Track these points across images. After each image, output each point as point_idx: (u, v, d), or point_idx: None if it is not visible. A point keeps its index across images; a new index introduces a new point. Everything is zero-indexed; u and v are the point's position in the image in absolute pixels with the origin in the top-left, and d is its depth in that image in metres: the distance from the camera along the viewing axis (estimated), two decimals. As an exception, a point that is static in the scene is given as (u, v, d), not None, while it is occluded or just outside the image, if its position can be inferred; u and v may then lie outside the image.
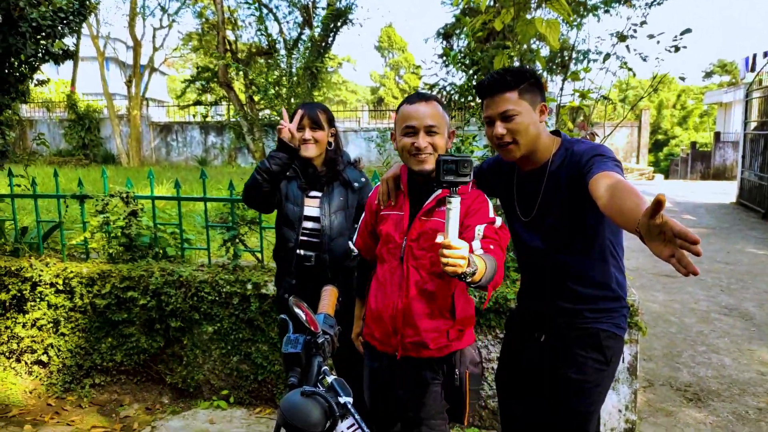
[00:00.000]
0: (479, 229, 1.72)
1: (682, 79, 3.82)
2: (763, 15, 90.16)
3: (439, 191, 1.88)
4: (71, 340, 3.60)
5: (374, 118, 26.24)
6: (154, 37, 21.95)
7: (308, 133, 2.44)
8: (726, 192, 14.67)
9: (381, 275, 1.95)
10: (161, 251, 3.76)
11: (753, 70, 13.18)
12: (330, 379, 1.10)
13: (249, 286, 3.32)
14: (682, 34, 3.05)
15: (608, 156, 1.72)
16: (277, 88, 14.29)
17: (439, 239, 1.40)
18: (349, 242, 2.54)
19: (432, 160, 1.83)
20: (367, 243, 2.12)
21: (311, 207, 2.50)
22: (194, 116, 20.29)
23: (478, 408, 3.21)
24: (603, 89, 4.01)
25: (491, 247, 1.68)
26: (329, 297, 1.39)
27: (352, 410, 1.05)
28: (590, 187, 1.61)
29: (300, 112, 2.45)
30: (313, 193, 2.52)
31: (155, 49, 21.59)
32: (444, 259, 1.36)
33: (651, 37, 3.09)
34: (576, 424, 1.93)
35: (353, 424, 1.03)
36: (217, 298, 3.38)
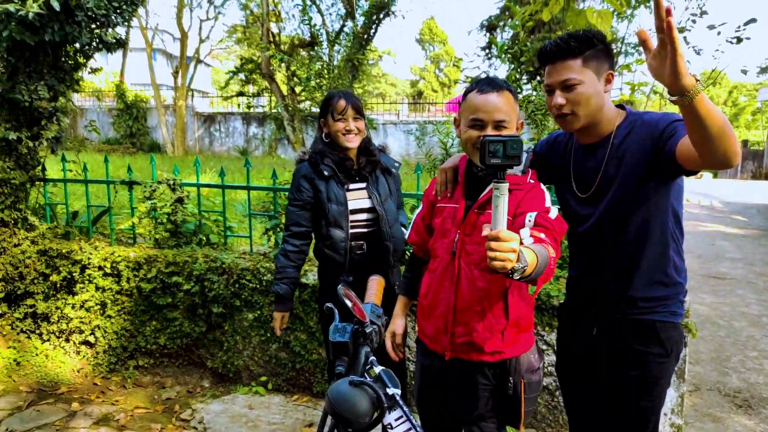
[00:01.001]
0: (530, 216, 1.59)
1: (744, 72, 3.64)
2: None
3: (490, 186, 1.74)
4: (117, 322, 3.70)
5: (414, 111, 26.14)
6: (200, 28, 22.43)
7: (352, 124, 2.38)
8: (780, 193, 14.05)
9: (434, 270, 1.86)
10: (205, 238, 3.83)
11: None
12: (378, 369, 1.09)
13: (289, 275, 3.34)
14: (746, 24, 2.90)
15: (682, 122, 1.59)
16: (318, 80, 14.37)
17: (486, 231, 1.26)
18: (403, 229, 2.55)
19: None
20: (423, 237, 1.98)
21: (359, 199, 2.46)
22: (238, 107, 20.62)
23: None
24: (652, 83, 3.87)
25: (542, 236, 1.49)
26: (376, 287, 1.37)
27: (400, 402, 1.03)
28: (680, 151, 1.52)
29: (342, 102, 2.37)
30: (353, 186, 2.47)
31: (201, 41, 22.01)
32: (491, 253, 1.22)
33: (711, 27, 2.95)
34: (640, 421, 1.85)
35: (401, 416, 1.01)
36: (258, 286, 3.42)
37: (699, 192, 15.11)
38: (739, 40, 2.94)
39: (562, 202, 1.94)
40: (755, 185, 17.74)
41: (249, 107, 18.78)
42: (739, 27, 2.94)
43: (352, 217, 2.43)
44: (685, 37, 3.31)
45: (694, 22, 3.20)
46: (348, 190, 2.45)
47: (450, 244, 1.79)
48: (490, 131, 1.65)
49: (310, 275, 3.32)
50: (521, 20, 4.08)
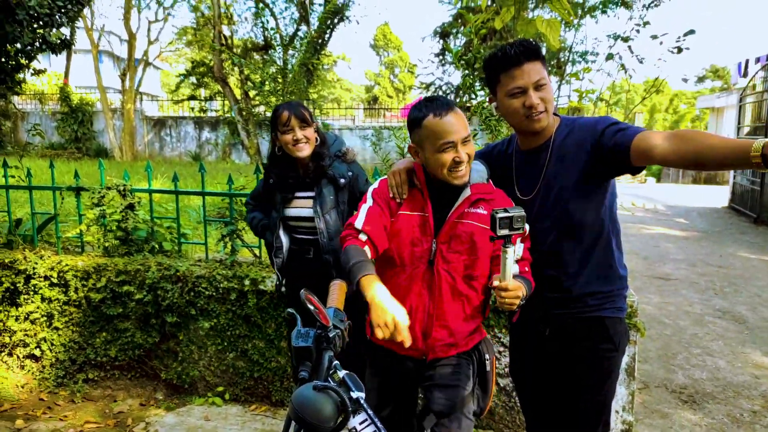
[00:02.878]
0: (519, 249, 1.78)
1: (685, 80, 3.85)
2: (756, 21, 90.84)
3: (468, 193, 1.85)
4: (65, 334, 3.56)
5: (370, 116, 26.21)
6: (149, 30, 21.78)
7: (299, 133, 2.42)
8: (718, 196, 14.78)
9: (397, 277, 1.86)
10: (157, 246, 3.73)
11: (745, 75, 13.25)
12: (342, 373, 1.08)
13: (246, 282, 3.30)
14: (685, 35, 3.06)
15: (624, 122, 1.76)
16: (272, 84, 14.22)
17: (496, 282, 1.58)
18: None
19: (469, 171, 1.82)
20: (381, 233, 1.84)
21: (302, 208, 2.52)
22: (191, 111, 20.19)
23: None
24: (599, 91, 4.01)
25: (526, 269, 1.80)
26: (338, 291, 1.37)
27: (365, 405, 1.03)
28: (636, 145, 1.62)
29: (285, 113, 2.41)
30: (301, 194, 2.53)
31: (150, 43, 21.45)
32: (502, 300, 1.58)
33: (654, 37, 3.10)
34: (594, 414, 1.92)
35: (366, 420, 1.02)
36: (214, 294, 3.35)
37: (643, 196, 15.73)
38: (680, 50, 3.10)
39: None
40: (695, 189, 18.62)
41: (202, 111, 18.43)
42: (679, 38, 3.10)
43: (295, 224, 2.56)
44: (629, 47, 3.46)
45: (638, 32, 3.35)
46: (294, 198, 2.54)
47: (425, 253, 1.83)
48: (460, 149, 1.74)
49: (268, 282, 3.28)
50: (474, 28, 4.17)
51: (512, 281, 1.57)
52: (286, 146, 2.45)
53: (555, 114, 1.90)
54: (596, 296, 1.87)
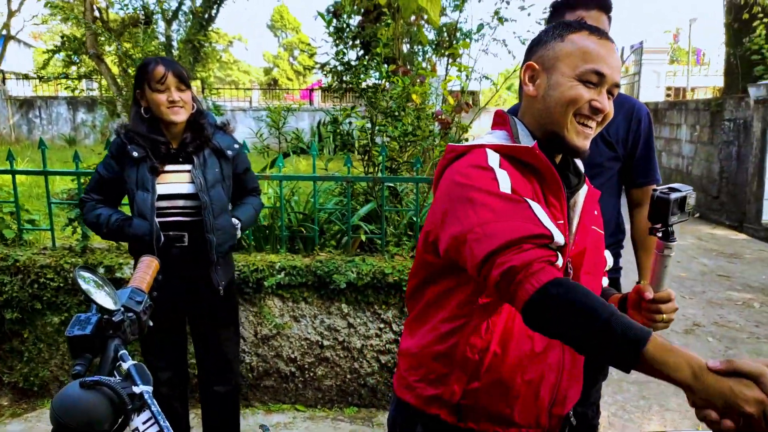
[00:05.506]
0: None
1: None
2: (631, 11, 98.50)
3: (585, 186, 1.26)
4: None
5: (268, 98, 25.41)
6: (9, 0, 19.55)
7: (176, 94, 2.06)
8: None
9: (516, 324, 1.13)
10: (-5, 234, 3.26)
11: (621, 61, 14.32)
12: (127, 365, 0.90)
13: (101, 270, 2.96)
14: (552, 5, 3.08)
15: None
16: (155, 62, 13.26)
17: (649, 293, 1.14)
18: (233, 220, 2.28)
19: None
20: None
21: (178, 183, 2.15)
22: (67, 90, 18.37)
23: (357, 386, 3.12)
24: (483, 71, 4.02)
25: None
26: (146, 269, 1.15)
27: (150, 401, 0.85)
28: (637, 195, 2.00)
29: (160, 68, 2.04)
30: (171, 168, 2.16)
31: (11, 14, 19.27)
32: (661, 315, 1.14)
33: (522, 8, 3.11)
34: (598, 371, 2.05)
35: (150, 418, 0.84)
36: (62, 285, 2.98)
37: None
38: (547, 21, 3.13)
39: None
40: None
41: (73, 91, 16.85)
42: (545, 9, 3.13)
43: (166, 204, 2.13)
44: (500, 19, 3.45)
45: (508, 4, 3.36)
46: (164, 172, 2.14)
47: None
48: (604, 95, 1.13)
49: (126, 269, 2.97)
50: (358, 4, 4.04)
51: (669, 290, 1.15)
52: (158, 108, 2.06)
53: None
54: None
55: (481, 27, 3.48)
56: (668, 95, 17.53)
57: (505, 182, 1.02)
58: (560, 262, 0.99)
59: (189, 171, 2.15)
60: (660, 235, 1.16)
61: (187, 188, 2.15)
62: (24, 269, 2.97)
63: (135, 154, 2.09)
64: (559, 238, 0.97)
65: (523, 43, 4.27)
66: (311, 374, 3.10)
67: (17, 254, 2.99)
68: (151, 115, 2.13)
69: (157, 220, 2.11)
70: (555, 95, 1.12)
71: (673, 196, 1.12)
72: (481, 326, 1.11)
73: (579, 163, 1.26)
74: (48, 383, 3.13)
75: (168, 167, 2.15)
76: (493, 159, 1.07)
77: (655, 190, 1.15)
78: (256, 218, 2.51)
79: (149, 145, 2.11)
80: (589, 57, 1.10)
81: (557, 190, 1.11)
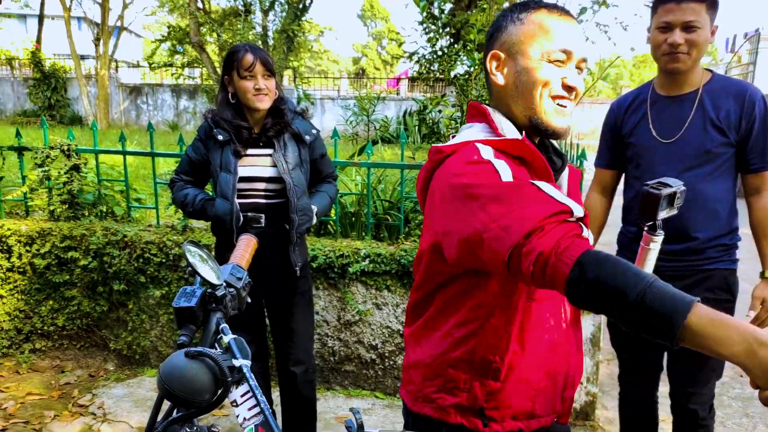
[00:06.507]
0: None
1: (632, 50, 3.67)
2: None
3: (566, 167, 1.21)
4: (9, 302, 3.37)
5: (355, 87, 25.80)
6: (124, -6, 21.01)
7: (262, 82, 2.13)
8: None
9: (546, 312, 1.14)
10: (108, 210, 3.53)
11: (733, 51, 13.21)
12: (227, 338, 0.93)
13: (198, 248, 3.12)
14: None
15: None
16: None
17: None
18: (312, 205, 2.33)
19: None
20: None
21: (259, 167, 2.23)
22: (172, 78, 19.56)
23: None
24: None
25: None
26: (245, 247, 1.19)
27: (248, 375, 0.88)
28: (753, 182, 1.87)
29: (249, 56, 2.11)
30: (253, 152, 2.23)
31: (125, 6, 20.72)
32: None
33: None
34: (711, 369, 2.03)
35: (247, 392, 0.87)
36: (164, 260, 3.18)
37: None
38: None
39: (637, 153, 2.01)
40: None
41: (177, 77, 17.86)
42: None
43: (246, 186, 2.21)
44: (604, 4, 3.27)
45: None
46: (246, 155, 2.22)
47: None
48: (573, 72, 1.11)
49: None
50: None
51: None
52: (245, 95, 2.14)
53: (708, 70, 1.92)
54: (717, 248, 1.92)
55: (584, 10, 3.29)
56: (787, 87, 16.01)
57: (505, 172, 0.98)
58: (587, 233, 0.92)
59: (270, 155, 2.22)
60: (647, 228, 1.18)
61: (268, 171, 2.22)
62: (131, 244, 3.19)
63: (220, 137, 2.18)
64: (577, 210, 0.91)
65: (625, 29, 4.03)
66: (391, 362, 3.11)
67: (126, 230, 3.21)
68: (237, 101, 2.21)
69: (237, 201, 2.19)
70: (526, 80, 1.09)
71: (664, 191, 1.16)
72: (499, 326, 1.08)
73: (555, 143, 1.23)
74: (148, 352, 3.36)
75: (250, 151, 2.23)
76: (487, 152, 1.03)
77: (645, 184, 1.19)
78: (331, 206, 2.56)
79: (233, 129, 2.20)
80: (552, 36, 1.08)
81: (548, 178, 1.06)
